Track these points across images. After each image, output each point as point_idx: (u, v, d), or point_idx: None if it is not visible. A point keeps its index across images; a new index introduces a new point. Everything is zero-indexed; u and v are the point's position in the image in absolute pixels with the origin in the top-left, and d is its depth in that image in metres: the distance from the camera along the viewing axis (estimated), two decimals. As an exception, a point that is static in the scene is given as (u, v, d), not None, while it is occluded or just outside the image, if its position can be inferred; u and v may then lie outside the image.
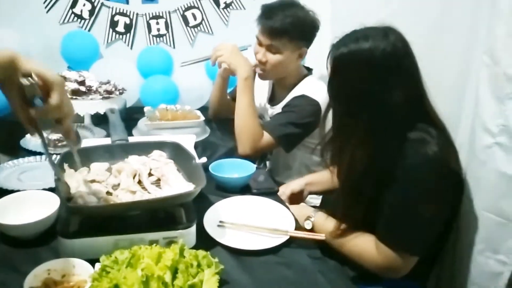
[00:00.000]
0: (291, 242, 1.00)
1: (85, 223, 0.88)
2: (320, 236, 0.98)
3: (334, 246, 1.08)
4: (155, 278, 0.76)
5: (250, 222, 1.05)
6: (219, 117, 1.82)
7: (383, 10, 1.48)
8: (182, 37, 2.16)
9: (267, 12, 1.50)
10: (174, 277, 0.78)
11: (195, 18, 2.15)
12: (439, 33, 1.24)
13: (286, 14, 1.46)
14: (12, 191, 1.10)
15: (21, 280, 0.78)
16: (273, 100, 1.71)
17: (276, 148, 1.59)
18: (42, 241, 0.95)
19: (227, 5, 2.17)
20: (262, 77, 1.60)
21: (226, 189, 1.23)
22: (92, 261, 0.82)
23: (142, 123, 1.65)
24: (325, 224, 1.12)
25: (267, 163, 1.81)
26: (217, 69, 1.69)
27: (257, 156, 1.56)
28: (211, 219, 1.06)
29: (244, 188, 1.26)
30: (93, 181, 0.99)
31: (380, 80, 0.98)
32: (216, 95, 1.79)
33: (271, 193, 1.24)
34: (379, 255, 1.01)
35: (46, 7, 1.99)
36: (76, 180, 0.98)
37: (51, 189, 1.09)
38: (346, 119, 1.06)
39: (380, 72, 0.98)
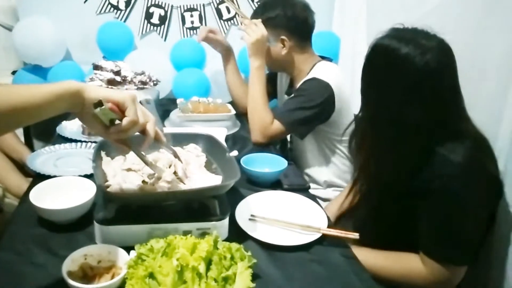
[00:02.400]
0: (324, 239, 0.98)
1: (121, 210, 0.90)
2: (354, 235, 0.97)
3: (374, 272, 1.04)
4: (190, 269, 0.76)
5: (282, 217, 1.04)
6: (240, 101, 1.83)
7: (420, 9, 1.45)
8: (215, 30, 2.16)
9: None
10: (208, 269, 0.78)
11: (228, 12, 2.15)
12: (480, 34, 1.20)
13: (264, 1, 1.61)
14: (48, 177, 1.13)
15: (59, 263, 0.80)
16: (290, 90, 1.70)
17: (287, 135, 1.58)
18: (78, 226, 0.97)
19: (261, -1, 2.16)
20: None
21: (257, 183, 1.23)
22: (127, 248, 0.84)
23: (174, 114, 1.67)
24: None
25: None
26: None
27: (270, 143, 1.54)
28: (242, 212, 1.06)
29: (275, 183, 1.25)
30: (129, 169, 1.00)
31: (403, 90, 0.98)
32: (227, 73, 1.82)
33: (302, 189, 1.23)
34: (428, 271, 1.00)
35: (83, -3, 2.03)
36: (113, 168, 1.00)
37: (86, 176, 1.11)
38: (369, 114, 1.05)
39: (406, 81, 0.97)
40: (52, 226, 0.97)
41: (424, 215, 0.99)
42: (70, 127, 1.56)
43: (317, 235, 0.98)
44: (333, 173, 1.66)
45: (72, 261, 0.80)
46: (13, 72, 2.13)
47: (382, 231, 1.11)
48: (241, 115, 1.76)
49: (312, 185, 1.64)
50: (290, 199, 1.15)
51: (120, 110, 0.78)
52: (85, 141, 1.44)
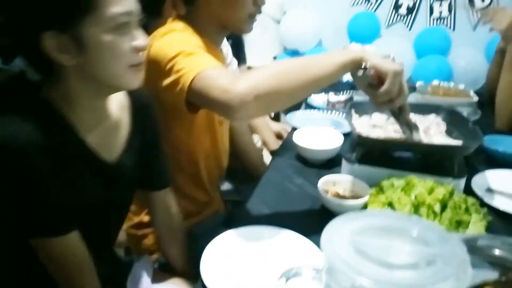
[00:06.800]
0: None
1: (365, 154, 1.05)
2: None
3: None
4: (426, 206, 0.85)
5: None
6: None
7: None
8: (463, 20, 2.11)
9: None
10: (442, 211, 0.86)
11: (483, 1, 2.05)
12: None
13: None
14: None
15: (310, 185, 1.05)
16: None
17: None
18: (326, 166, 1.19)
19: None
20: None
21: (500, 162, 1.20)
22: (367, 185, 0.99)
23: (412, 97, 1.74)
24: None
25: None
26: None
27: None
28: (478, 183, 1.06)
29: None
30: (374, 126, 1.15)
31: None
32: (493, 71, 1.70)
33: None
34: None
35: (341, -9, 2.30)
36: (361, 123, 1.16)
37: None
38: None
39: None
40: (305, 162, 1.22)
41: None
42: (317, 100, 1.83)
43: None
44: None
45: (324, 183, 1.00)
46: (274, 58, 2.59)
47: None
48: (484, 104, 1.68)
49: None
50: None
51: (381, 79, 0.88)
52: (328, 109, 1.68)
